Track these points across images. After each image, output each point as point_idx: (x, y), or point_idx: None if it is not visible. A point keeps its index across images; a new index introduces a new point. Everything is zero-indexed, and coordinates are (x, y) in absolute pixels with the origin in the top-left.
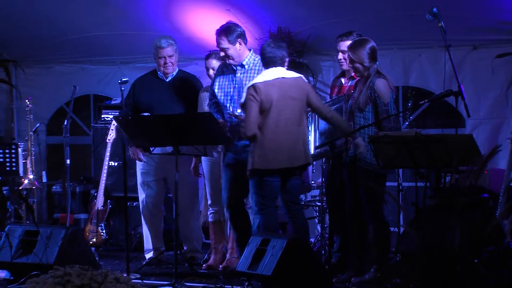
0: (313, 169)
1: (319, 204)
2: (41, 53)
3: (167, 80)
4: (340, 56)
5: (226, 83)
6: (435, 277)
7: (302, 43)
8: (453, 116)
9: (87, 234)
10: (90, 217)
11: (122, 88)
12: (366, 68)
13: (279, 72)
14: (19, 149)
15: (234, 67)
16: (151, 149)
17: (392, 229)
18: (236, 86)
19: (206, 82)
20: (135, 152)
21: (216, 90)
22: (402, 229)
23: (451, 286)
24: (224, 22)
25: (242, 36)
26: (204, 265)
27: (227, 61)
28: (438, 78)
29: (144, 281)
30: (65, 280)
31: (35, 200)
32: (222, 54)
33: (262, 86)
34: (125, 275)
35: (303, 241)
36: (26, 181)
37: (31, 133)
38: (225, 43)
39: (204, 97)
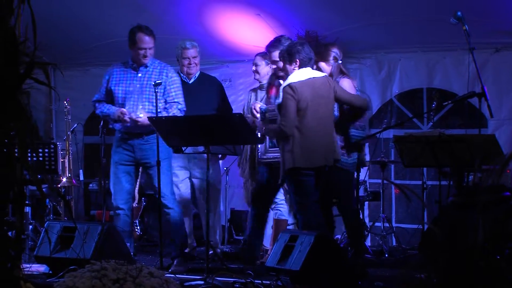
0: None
1: None
2: (79, 56)
3: (190, 82)
4: (274, 66)
5: (125, 80)
6: (458, 273)
7: None
8: (476, 117)
9: None
10: None
11: (156, 90)
12: (329, 66)
13: (310, 72)
14: (58, 149)
15: (136, 67)
16: (183, 148)
17: (416, 226)
18: (138, 85)
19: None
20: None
21: (114, 84)
22: (426, 226)
23: (473, 282)
24: (254, 27)
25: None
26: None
27: (142, 60)
28: (461, 80)
29: (177, 276)
30: (102, 274)
31: (73, 197)
32: (144, 52)
33: (298, 86)
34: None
35: (330, 237)
36: (64, 179)
37: (68, 133)
38: (152, 43)
39: (252, 97)
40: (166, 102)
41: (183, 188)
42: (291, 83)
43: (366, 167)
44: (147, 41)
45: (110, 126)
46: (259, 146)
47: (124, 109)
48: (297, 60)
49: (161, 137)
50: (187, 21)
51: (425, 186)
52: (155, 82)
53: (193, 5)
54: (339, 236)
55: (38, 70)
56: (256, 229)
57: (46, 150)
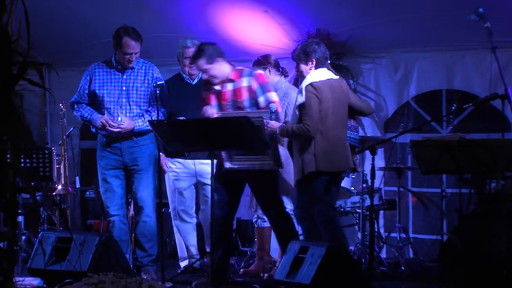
0: (352, 175)
1: (359, 210)
2: (75, 55)
3: (194, 83)
4: (205, 75)
5: (109, 82)
6: (479, 285)
7: (341, 45)
8: (499, 120)
9: None
10: None
11: (157, 92)
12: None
13: (328, 73)
14: (53, 154)
15: (121, 69)
16: (186, 154)
17: (434, 236)
18: (124, 88)
19: None
20: (163, 162)
21: (97, 86)
22: (445, 237)
23: None
24: (261, 24)
25: None
26: (241, 270)
27: (127, 64)
28: (482, 81)
29: None
30: (99, 287)
31: (68, 206)
32: (129, 57)
33: (320, 86)
34: (160, 283)
35: (343, 248)
36: (59, 187)
37: (64, 137)
38: (139, 47)
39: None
40: (150, 104)
41: (188, 195)
42: (313, 82)
43: (382, 173)
44: (133, 47)
45: (93, 130)
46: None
47: (107, 117)
48: (314, 59)
49: (162, 141)
50: (190, 18)
51: (444, 194)
52: (155, 83)
53: (196, 2)
54: (352, 248)
55: (32, 70)
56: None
57: (40, 156)
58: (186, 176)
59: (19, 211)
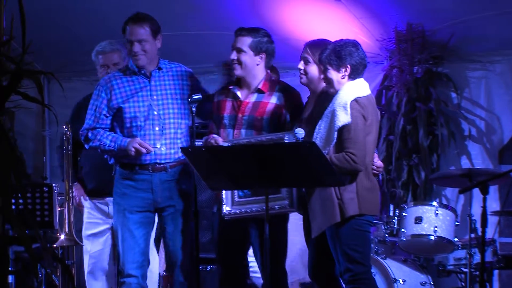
0: (456, 221)
1: (466, 270)
2: (83, 61)
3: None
4: (234, 56)
5: (135, 91)
6: None
7: (441, 46)
8: None
9: None
10: None
11: (194, 109)
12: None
13: (367, 86)
14: (54, 192)
15: (146, 72)
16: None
17: None
18: (155, 97)
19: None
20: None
21: (120, 100)
22: None
23: None
24: (332, 16)
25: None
26: None
27: (134, 60)
28: None
29: None
30: None
31: (74, 262)
32: (132, 47)
33: (366, 103)
34: None
35: None
36: (62, 236)
37: (70, 170)
38: (146, 34)
39: None
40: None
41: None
42: (357, 97)
43: (496, 219)
44: (134, 32)
45: (111, 162)
46: (223, 196)
47: (140, 140)
48: (348, 65)
49: (199, 175)
50: (237, 11)
51: None
52: (191, 98)
53: None
54: None
55: (27, 81)
56: None
57: (38, 195)
58: None
59: (9, 268)
